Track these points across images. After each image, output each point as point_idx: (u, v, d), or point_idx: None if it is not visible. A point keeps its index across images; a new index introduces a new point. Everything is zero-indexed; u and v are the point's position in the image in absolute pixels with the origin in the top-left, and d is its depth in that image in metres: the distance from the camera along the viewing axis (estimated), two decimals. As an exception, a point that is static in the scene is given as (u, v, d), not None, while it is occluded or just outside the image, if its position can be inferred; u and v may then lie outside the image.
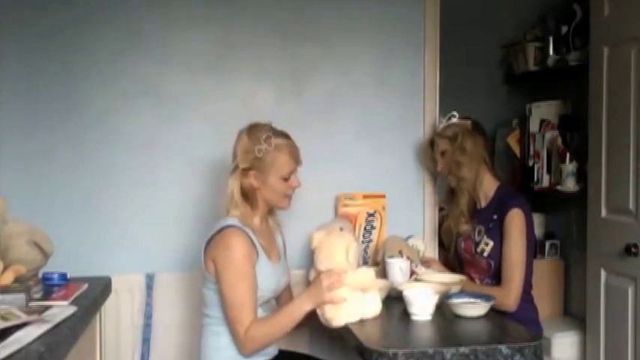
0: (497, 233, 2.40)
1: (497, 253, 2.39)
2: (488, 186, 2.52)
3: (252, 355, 2.04)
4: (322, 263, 1.99)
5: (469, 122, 2.51)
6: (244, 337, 1.98)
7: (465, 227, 2.53)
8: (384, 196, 2.66)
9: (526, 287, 2.40)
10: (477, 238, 2.49)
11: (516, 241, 2.35)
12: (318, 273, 2.00)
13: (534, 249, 2.59)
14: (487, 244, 2.43)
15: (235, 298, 1.99)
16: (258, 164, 2.09)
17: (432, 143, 2.63)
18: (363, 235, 2.63)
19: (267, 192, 2.13)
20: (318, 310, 1.99)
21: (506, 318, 2.14)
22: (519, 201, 2.42)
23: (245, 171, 2.10)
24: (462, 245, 2.55)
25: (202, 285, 2.13)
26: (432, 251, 2.76)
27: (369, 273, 2.01)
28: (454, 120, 2.52)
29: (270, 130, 2.12)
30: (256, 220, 2.14)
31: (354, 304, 1.94)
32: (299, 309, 1.99)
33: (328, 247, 1.99)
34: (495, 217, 2.43)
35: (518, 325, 2.00)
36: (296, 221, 2.48)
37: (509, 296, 2.31)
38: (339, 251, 1.97)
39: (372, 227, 2.64)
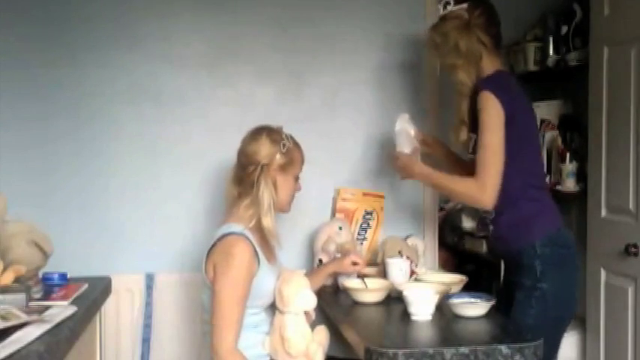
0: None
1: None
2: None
3: None
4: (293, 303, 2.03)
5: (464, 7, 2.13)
6: (225, 354, 1.92)
7: (464, 137, 2.18)
8: (383, 197, 2.66)
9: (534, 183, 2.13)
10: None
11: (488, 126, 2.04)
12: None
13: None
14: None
15: (225, 305, 1.94)
16: (283, 159, 2.09)
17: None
18: (358, 233, 2.63)
19: (283, 190, 2.12)
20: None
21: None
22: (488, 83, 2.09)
23: (268, 167, 2.08)
24: None
25: (202, 291, 2.09)
26: (432, 251, 2.77)
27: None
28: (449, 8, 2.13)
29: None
30: (266, 222, 2.08)
31: None
32: None
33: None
34: None
35: (518, 325, 2.00)
36: (295, 221, 2.48)
37: (484, 190, 2.05)
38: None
39: (368, 226, 2.64)
